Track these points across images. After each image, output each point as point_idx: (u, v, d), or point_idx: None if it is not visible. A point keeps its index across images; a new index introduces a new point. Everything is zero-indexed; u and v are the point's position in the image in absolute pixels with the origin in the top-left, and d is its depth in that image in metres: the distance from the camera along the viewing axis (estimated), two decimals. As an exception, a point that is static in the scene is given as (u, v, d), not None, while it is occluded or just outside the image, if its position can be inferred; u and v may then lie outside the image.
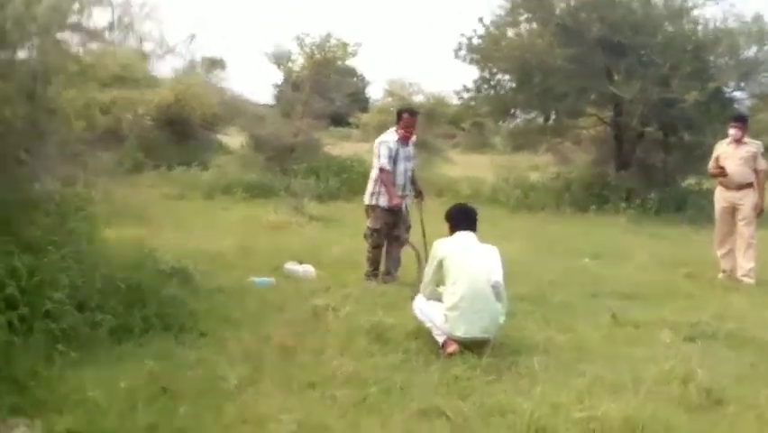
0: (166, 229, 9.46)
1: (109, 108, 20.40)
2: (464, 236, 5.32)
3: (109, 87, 20.47)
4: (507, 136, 22.26)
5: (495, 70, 16.69)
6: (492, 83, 16.85)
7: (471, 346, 5.01)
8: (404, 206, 7.29)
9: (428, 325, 5.18)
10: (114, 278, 4.95)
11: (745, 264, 8.53)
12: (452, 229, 5.43)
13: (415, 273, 6.85)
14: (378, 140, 7.31)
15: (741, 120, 8.95)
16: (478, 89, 16.97)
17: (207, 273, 6.55)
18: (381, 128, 24.22)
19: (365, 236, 7.36)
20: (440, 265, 5.19)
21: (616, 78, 13.99)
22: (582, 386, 4.44)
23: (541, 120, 17.68)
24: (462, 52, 16.46)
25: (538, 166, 19.29)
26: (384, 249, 7.38)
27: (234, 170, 15.42)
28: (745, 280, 8.44)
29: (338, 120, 30.32)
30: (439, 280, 5.27)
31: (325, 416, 3.77)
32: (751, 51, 15.51)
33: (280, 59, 15.82)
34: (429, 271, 5.33)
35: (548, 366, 4.84)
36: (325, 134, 20.10)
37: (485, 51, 16.00)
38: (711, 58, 15.34)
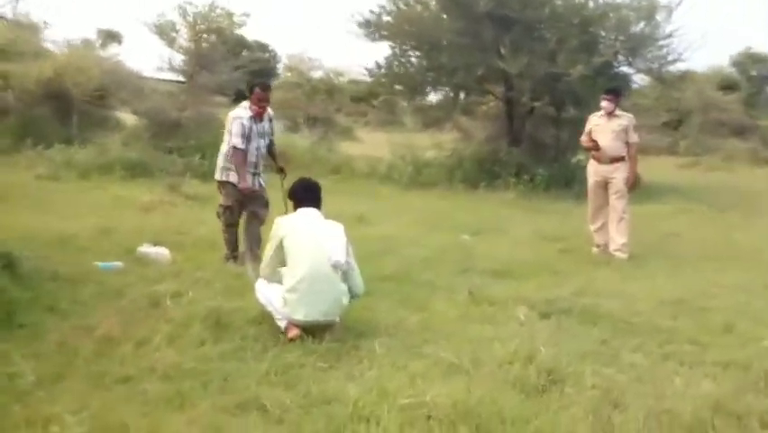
0: (23, 211, 8.89)
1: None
2: (307, 213, 5.09)
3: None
4: (415, 114, 22.08)
5: (406, 47, 16.33)
6: (403, 60, 16.48)
7: (315, 330, 4.76)
8: (258, 182, 6.98)
9: (269, 309, 4.90)
10: None
11: (618, 239, 8.54)
12: (296, 206, 5.20)
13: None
14: (231, 114, 6.94)
15: (613, 92, 8.88)
16: (389, 66, 16.53)
17: (45, 258, 6.11)
18: (282, 105, 23.91)
19: (218, 215, 7.03)
20: (280, 245, 4.90)
21: (502, 51, 13.89)
22: (419, 369, 4.25)
23: (446, 97, 17.54)
24: (370, 28, 16.05)
25: (443, 144, 19.18)
26: (243, 228, 7.04)
27: (117, 148, 14.68)
28: (618, 254, 8.47)
29: (243, 97, 29.55)
30: (281, 261, 4.97)
31: (127, 414, 3.44)
32: (639, 27, 15.69)
33: (164, 30, 15.08)
34: (269, 251, 5.03)
35: (390, 349, 4.63)
36: (223, 111, 19.43)
37: (394, 27, 15.61)
38: (601, 32, 15.45)
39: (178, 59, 15.46)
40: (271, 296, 4.88)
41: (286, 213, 6.73)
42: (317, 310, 4.77)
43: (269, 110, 7.07)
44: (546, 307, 5.83)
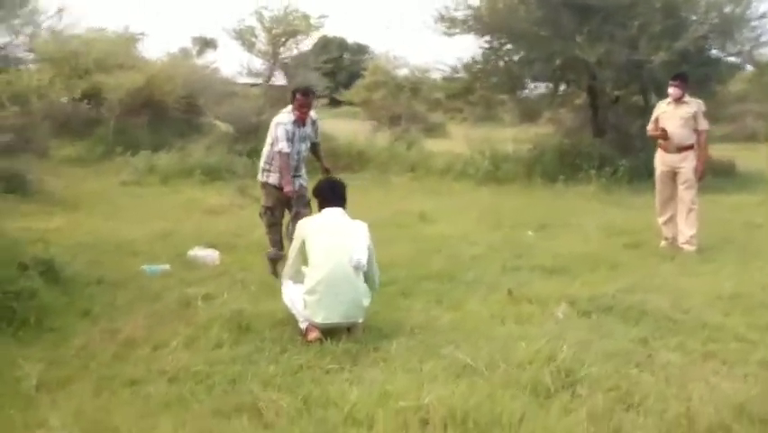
0: (96, 217, 9.25)
1: (89, 94, 20.46)
2: (331, 213, 5.07)
3: (90, 73, 20.59)
4: (514, 108, 21.48)
5: (504, 40, 15.91)
6: (500, 53, 16.07)
7: (336, 332, 4.73)
8: (300, 183, 7.01)
9: (293, 311, 4.90)
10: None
11: (686, 231, 8.14)
12: (321, 206, 5.17)
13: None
14: (274, 120, 6.99)
15: (680, 78, 8.43)
16: (486, 60, 16.18)
17: (94, 263, 6.33)
18: (367, 105, 24.05)
19: (260, 215, 7.09)
20: (302, 246, 4.92)
21: (578, 40, 13.46)
22: (431, 371, 4.16)
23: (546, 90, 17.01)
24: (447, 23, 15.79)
25: (528, 138, 18.74)
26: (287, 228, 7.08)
27: (199, 154, 15.10)
28: (686, 247, 8.07)
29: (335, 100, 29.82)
30: (303, 261, 4.98)
31: (122, 418, 3.49)
32: (728, 8, 14.91)
33: (243, 36, 15.38)
34: (292, 252, 5.06)
35: (409, 349, 4.55)
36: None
37: (478, 21, 15.24)
38: (690, 16, 14.73)
39: (258, 63, 15.71)
40: (295, 297, 4.88)
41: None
42: (337, 313, 4.74)
43: (313, 113, 7.10)
44: (589, 304, 5.61)
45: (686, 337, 4.94)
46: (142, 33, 23.78)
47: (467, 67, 16.43)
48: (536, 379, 4.02)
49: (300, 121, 6.90)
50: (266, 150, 7.00)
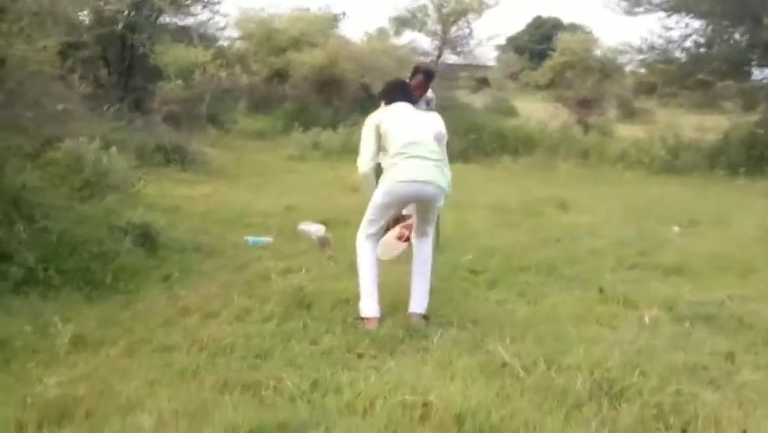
0: (244, 189, 9.64)
1: (281, 72, 21.45)
2: (400, 106, 4.80)
3: (285, 51, 21.60)
4: (737, 95, 19.65)
5: (726, 22, 14.71)
6: (725, 36, 14.93)
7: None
8: None
9: (361, 283, 4.74)
10: (45, 230, 5.02)
11: None
12: (387, 104, 4.90)
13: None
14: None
15: None
16: (708, 44, 15.10)
17: (199, 232, 6.56)
18: (554, 87, 23.21)
19: None
20: (377, 131, 4.65)
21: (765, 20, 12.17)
22: (464, 367, 3.90)
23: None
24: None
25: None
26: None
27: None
28: None
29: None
30: (378, 147, 4.72)
31: (129, 382, 3.56)
32: None
33: (415, 15, 15.36)
34: (366, 140, 4.74)
35: (456, 342, 4.29)
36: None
37: None
38: None
39: (426, 42, 15.64)
40: (365, 266, 4.75)
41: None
42: (423, 173, 4.55)
43: (430, 93, 6.93)
44: (688, 310, 5.07)
45: (785, 356, 4.31)
46: (343, 13, 24.41)
47: (687, 49, 15.23)
48: (570, 385, 3.66)
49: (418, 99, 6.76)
50: None
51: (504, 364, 3.94)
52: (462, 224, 7.72)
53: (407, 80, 5.31)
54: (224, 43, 20.34)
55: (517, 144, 15.10)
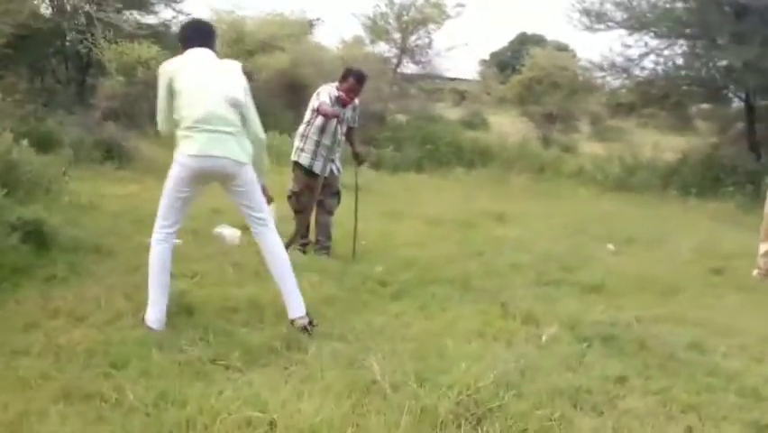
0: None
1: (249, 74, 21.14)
2: (198, 52, 4.34)
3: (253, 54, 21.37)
4: (709, 119, 19.27)
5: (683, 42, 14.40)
6: (703, 59, 14.61)
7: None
8: (332, 169, 6.65)
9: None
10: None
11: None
12: (185, 48, 4.43)
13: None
14: (318, 90, 6.68)
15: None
16: (687, 65, 14.87)
17: (104, 231, 6.32)
18: (510, 102, 23.17)
19: (288, 198, 6.80)
20: (169, 87, 4.25)
21: (719, 42, 12.11)
22: (330, 383, 3.67)
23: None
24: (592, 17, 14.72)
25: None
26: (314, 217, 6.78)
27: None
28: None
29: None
30: (173, 107, 4.29)
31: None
32: None
33: (375, 22, 15.22)
34: (161, 98, 4.33)
35: (332, 356, 4.06)
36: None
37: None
38: None
39: (384, 49, 15.52)
40: (155, 263, 4.38)
41: (355, 201, 6.44)
42: (217, 147, 4.18)
43: (356, 100, 6.74)
44: (591, 330, 4.87)
45: (678, 382, 4.15)
46: (317, 19, 24.19)
47: (667, 72, 15.06)
48: (434, 405, 3.44)
49: (343, 103, 6.57)
50: (301, 127, 6.73)
51: (373, 382, 3.73)
52: (388, 234, 7.53)
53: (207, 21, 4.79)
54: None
55: (474, 156, 14.96)
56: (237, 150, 4.25)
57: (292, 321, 4.46)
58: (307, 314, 4.50)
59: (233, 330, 4.39)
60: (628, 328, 4.97)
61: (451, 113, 26.72)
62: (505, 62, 38.92)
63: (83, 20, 10.86)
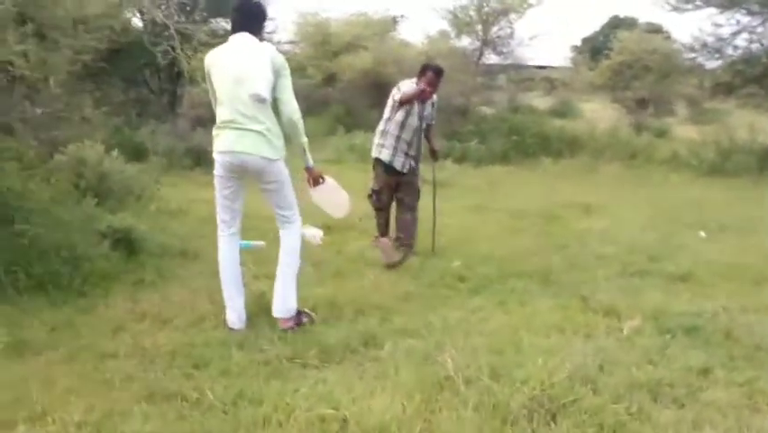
0: (258, 191, 9.57)
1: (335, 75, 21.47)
2: (236, 40, 4.33)
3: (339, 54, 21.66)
4: None
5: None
6: None
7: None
8: (410, 165, 6.67)
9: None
10: (20, 234, 5.03)
11: None
12: (232, 29, 4.44)
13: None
14: (398, 85, 6.71)
15: None
16: None
17: (191, 236, 6.53)
18: (592, 89, 22.53)
19: (368, 197, 6.86)
20: (210, 82, 4.40)
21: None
22: (404, 380, 3.71)
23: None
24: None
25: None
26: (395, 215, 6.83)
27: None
28: None
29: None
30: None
31: (49, 390, 3.50)
32: None
33: (456, 15, 15.17)
34: (209, 87, 4.47)
35: (407, 353, 4.11)
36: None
37: None
38: None
39: (467, 42, 15.43)
40: (222, 262, 4.63)
41: (434, 199, 6.45)
42: (240, 144, 4.27)
43: (434, 96, 6.75)
44: (674, 321, 4.74)
45: (764, 373, 3.99)
46: (401, 16, 24.22)
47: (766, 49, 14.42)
48: (508, 401, 3.43)
49: (424, 98, 6.58)
50: (381, 123, 6.77)
51: (447, 377, 3.74)
52: (469, 229, 7.50)
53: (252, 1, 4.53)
54: (281, 47, 20.41)
55: (561, 146, 14.69)
56: (263, 146, 4.29)
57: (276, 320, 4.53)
58: (297, 315, 4.56)
59: (312, 329, 4.50)
60: (714, 318, 4.81)
61: (541, 102, 26.37)
62: (597, 47, 37.85)
63: (166, 32, 11.20)
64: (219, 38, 12.67)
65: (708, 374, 3.98)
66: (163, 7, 13.64)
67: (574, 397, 3.48)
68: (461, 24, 15.42)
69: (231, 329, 4.41)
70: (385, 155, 6.65)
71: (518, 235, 7.40)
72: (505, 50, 15.84)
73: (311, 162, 4.63)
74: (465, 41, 15.86)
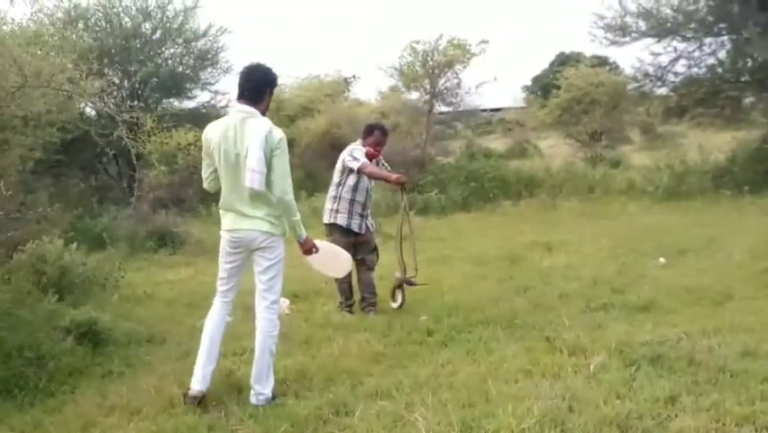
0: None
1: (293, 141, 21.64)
2: (234, 114, 4.36)
3: (295, 119, 21.90)
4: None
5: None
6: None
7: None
8: (366, 226, 6.76)
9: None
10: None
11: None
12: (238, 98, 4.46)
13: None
14: (347, 149, 6.82)
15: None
16: (734, 59, 14.60)
17: (158, 319, 6.51)
18: (546, 126, 23.01)
19: None
20: (209, 156, 4.46)
21: (745, 35, 11.95)
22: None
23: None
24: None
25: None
26: (356, 276, 6.87)
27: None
28: None
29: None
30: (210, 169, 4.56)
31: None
32: None
33: (403, 72, 15.49)
34: (203, 160, 4.56)
35: (379, 415, 4.12)
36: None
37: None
38: None
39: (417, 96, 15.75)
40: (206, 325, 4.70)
41: (410, 233, 6.49)
42: (239, 222, 4.41)
43: (380, 156, 6.91)
44: (638, 352, 4.82)
45: (730, 394, 4.06)
46: (353, 76, 24.57)
47: (713, 68, 14.77)
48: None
49: (371, 157, 6.70)
50: (332, 189, 6.86)
51: (420, 436, 3.77)
52: (434, 281, 7.54)
53: (257, 64, 4.51)
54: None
55: (519, 187, 14.90)
56: (263, 224, 4.39)
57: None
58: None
59: (283, 403, 4.48)
60: (677, 345, 4.90)
61: (499, 144, 26.78)
62: (548, 84, 38.69)
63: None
64: (170, 120, 12.86)
65: (675, 402, 4.05)
66: (114, 95, 13.86)
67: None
68: (408, 80, 15.68)
69: (192, 398, 4.41)
70: (341, 220, 6.73)
71: (483, 282, 7.48)
72: (454, 99, 16.14)
73: (303, 236, 4.70)
74: (415, 95, 16.08)
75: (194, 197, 12.98)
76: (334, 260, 5.29)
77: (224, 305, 4.71)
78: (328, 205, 6.86)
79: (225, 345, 5.46)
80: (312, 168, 18.96)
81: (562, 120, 22.96)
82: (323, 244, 5.04)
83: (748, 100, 18.79)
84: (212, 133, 4.43)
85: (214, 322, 4.66)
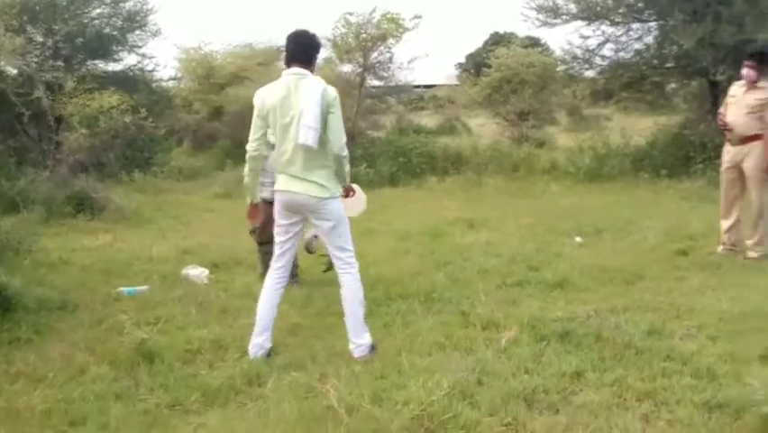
0: (144, 234, 9.44)
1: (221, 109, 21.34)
2: (287, 77, 4.48)
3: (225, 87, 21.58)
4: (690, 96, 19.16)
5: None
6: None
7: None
8: None
9: None
10: None
11: (751, 235, 7.22)
12: (287, 62, 4.57)
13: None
14: None
15: (758, 57, 7.35)
16: (660, 45, 14.62)
17: (74, 286, 6.38)
18: (476, 104, 23.26)
19: (250, 233, 6.85)
20: (263, 119, 4.56)
21: (671, 22, 12.22)
22: (284, 415, 3.75)
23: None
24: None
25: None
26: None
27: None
28: (750, 254, 7.17)
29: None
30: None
31: None
32: None
33: (336, 43, 15.35)
34: (253, 123, 4.67)
35: (291, 386, 4.15)
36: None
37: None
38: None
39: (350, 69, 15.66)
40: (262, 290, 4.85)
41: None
42: (294, 185, 4.55)
43: None
44: (548, 328, 4.97)
45: (633, 370, 4.22)
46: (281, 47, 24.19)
47: (639, 53, 14.94)
48: (386, 426, 3.52)
49: None
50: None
51: (329, 408, 3.79)
52: (358, 253, 7.53)
53: (305, 32, 4.65)
54: (165, 84, 20.14)
55: (447, 164, 14.99)
56: (312, 188, 4.49)
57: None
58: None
59: (195, 373, 4.47)
60: (586, 322, 5.06)
61: (430, 120, 26.88)
62: (481, 63, 38.96)
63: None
64: (93, 81, 12.49)
65: (580, 377, 4.19)
66: (36, 54, 13.36)
67: (452, 413, 3.61)
68: (341, 52, 15.55)
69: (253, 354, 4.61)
70: (267, 193, 6.66)
71: (405, 256, 7.53)
72: (385, 74, 16.08)
73: (347, 182, 4.85)
74: (348, 68, 15.96)
75: (115, 162, 12.67)
76: (357, 200, 5.57)
77: (275, 272, 4.81)
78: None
79: (139, 314, 5.43)
80: (242, 137, 18.64)
81: (492, 99, 23.08)
82: (357, 187, 5.41)
83: (671, 86, 19.37)
84: (266, 95, 4.51)
85: (264, 290, 4.79)
